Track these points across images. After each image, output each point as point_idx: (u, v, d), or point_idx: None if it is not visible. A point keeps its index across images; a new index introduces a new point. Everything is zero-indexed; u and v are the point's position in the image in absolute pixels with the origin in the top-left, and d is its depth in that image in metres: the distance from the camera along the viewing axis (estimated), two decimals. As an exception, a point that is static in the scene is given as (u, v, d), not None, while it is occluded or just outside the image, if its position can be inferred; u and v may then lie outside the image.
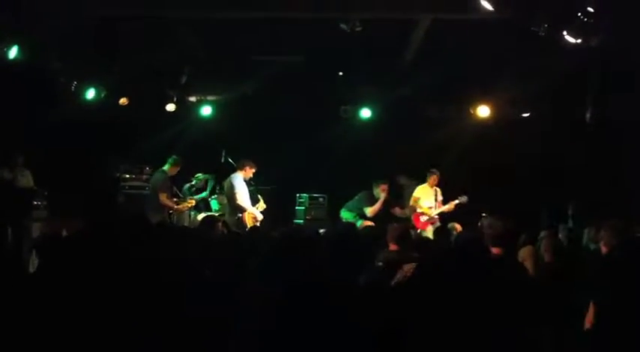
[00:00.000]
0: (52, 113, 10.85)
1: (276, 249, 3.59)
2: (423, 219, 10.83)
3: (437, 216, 10.85)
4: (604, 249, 5.38)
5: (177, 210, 10.27)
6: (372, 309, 3.36)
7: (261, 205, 10.06)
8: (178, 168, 10.12)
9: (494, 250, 5.09)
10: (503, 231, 5.05)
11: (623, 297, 3.82)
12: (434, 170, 11.03)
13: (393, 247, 6.09)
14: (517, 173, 11.84)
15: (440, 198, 10.99)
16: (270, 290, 3.23)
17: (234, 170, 10.02)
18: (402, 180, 11.74)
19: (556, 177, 11.57)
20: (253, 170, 9.94)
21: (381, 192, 10.76)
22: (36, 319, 3.22)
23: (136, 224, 4.46)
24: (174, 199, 10.35)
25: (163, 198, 9.78)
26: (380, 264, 5.37)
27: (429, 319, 3.20)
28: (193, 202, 10.63)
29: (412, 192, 11.06)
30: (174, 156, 10.13)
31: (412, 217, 10.90)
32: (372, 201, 10.79)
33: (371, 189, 10.93)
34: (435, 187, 11.03)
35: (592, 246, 6.84)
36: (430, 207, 10.92)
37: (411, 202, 11.02)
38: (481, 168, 11.84)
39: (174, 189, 10.63)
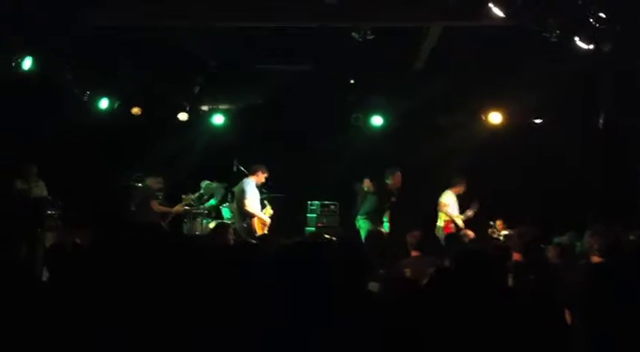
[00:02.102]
0: (65, 123, 10.95)
1: (288, 255, 3.59)
2: (452, 227, 10.83)
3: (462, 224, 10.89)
4: (596, 259, 4.90)
5: (175, 211, 10.51)
6: (385, 315, 3.35)
7: (268, 211, 10.06)
8: (160, 179, 10.50)
9: (516, 256, 5.12)
10: (531, 237, 5.11)
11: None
12: (460, 180, 11.03)
13: (414, 253, 6.14)
14: (529, 179, 11.80)
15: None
16: (281, 295, 3.24)
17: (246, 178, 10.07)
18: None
19: (568, 182, 11.52)
20: (265, 175, 9.96)
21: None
22: (46, 329, 3.24)
23: (148, 233, 4.47)
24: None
25: (156, 205, 10.13)
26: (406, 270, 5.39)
27: (443, 325, 3.19)
28: (189, 199, 10.73)
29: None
30: (151, 171, 10.62)
31: (444, 225, 10.87)
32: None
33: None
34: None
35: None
36: (458, 216, 10.96)
37: (440, 207, 10.97)
38: (493, 174, 11.80)
39: (183, 197, 10.75)
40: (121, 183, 12.09)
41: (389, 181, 10.65)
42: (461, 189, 11.06)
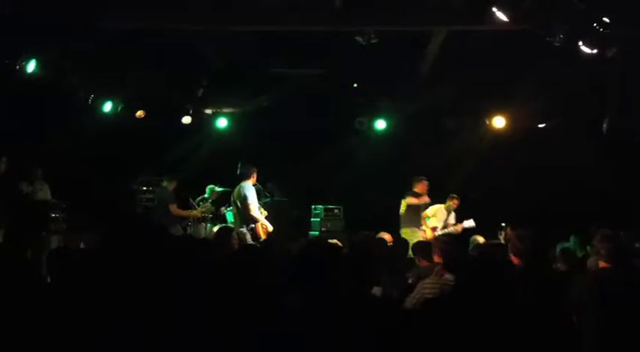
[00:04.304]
0: (69, 126, 10.96)
1: (297, 260, 3.60)
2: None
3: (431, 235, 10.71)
4: (602, 264, 4.78)
5: (192, 216, 10.57)
6: (384, 319, 3.35)
7: (263, 212, 10.01)
8: (176, 183, 10.38)
9: (515, 260, 5.08)
10: (531, 243, 5.05)
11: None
12: (455, 195, 10.84)
13: (424, 263, 6.11)
14: (534, 184, 11.79)
15: (452, 222, 10.83)
16: (288, 300, 3.24)
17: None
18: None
19: (573, 187, 11.49)
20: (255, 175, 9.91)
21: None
22: (49, 331, 3.24)
23: (154, 235, 4.47)
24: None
25: (174, 208, 10.06)
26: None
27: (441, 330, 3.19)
28: (208, 206, 10.74)
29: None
30: (169, 173, 10.49)
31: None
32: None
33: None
34: (451, 212, 10.85)
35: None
36: (435, 227, 10.74)
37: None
38: (498, 179, 11.79)
39: (191, 201, 10.76)
40: (125, 187, 12.11)
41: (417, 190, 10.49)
42: (453, 206, 10.91)
